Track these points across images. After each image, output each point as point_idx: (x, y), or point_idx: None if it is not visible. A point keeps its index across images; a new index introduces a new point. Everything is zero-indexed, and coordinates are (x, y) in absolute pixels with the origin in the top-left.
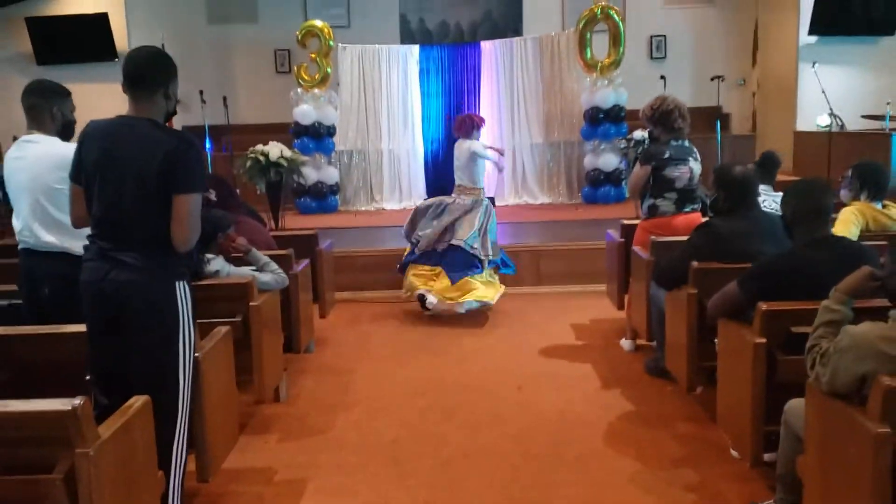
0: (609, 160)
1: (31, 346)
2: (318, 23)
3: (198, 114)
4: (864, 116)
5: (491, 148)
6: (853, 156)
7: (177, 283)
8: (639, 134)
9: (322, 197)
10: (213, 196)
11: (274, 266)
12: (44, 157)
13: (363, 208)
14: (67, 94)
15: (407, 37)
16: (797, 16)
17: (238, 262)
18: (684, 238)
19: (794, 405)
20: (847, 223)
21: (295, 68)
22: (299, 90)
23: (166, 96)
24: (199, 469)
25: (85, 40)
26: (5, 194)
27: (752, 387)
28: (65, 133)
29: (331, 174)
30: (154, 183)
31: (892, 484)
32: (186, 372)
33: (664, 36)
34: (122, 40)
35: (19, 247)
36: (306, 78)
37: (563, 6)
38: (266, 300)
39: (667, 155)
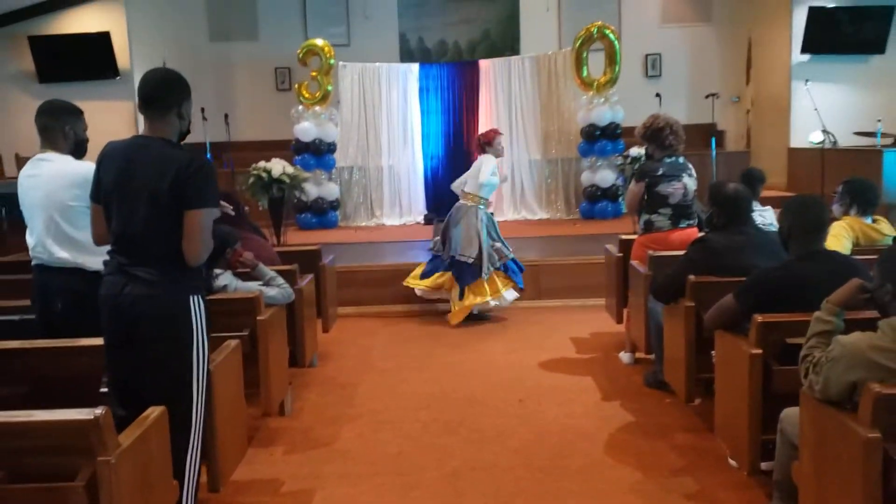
0: (606, 177)
1: (46, 359)
2: (319, 41)
3: (199, 131)
4: (856, 133)
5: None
6: (846, 172)
7: (191, 297)
8: (635, 151)
9: (322, 213)
10: (230, 210)
11: (280, 281)
12: (58, 175)
13: (363, 224)
14: (79, 113)
15: (406, 55)
16: (790, 34)
17: (244, 277)
18: (681, 253)
19: (790, 413)
20: (839, 238)
21: (296, 86)
22: (300, 107)
23: (180, 116)
24: (210, 479)
25: (87, 58)
26: (7, 212)
27: (749, 396)
28: (77, 151)
29: (331, 190)
30: (166, 200)
31: (882, 486)
32: (200, 384)
33: (659, 54)
34: (125, 58)
35: (32, 262)
36: (307, 95)
37: (559, 26)
38: (273, 314)
39: (660, 172)
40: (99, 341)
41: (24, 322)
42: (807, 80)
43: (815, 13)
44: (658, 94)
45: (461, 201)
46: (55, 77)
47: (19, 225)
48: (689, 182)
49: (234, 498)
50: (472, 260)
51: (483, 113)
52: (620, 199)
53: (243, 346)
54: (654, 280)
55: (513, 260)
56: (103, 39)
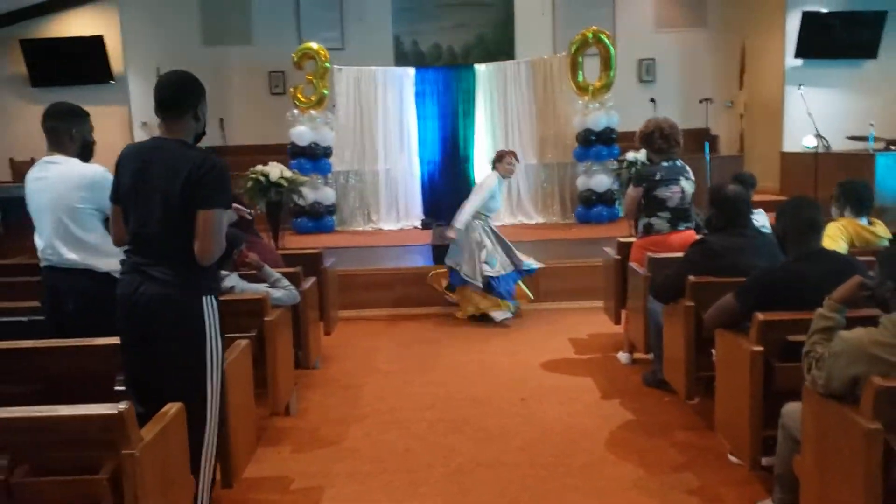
0: (601, 181)
1: (60, 358)
2: (315, 45)
3: None
4: (848, 137)
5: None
6: (839, 176)
7: (204, 298)
8: (632, 155)
9: (319, 217)
10: (248, 214)
11: (285, 282)
12: (66, 178)
13: (360, 228)
14: (86, 115)
15: (400, 59)
16: (783, 39)
17: (250, 278)
18: (680, 255)
19: (791, 409)
20: (834, 239)
21: (291, 90)
22: (296, 111)
23: (196, 118)
24: (224, 475)
25: (80, 62)
26: (5, 214)
27: (751, 393)
28: (84, 154)
29: (327, 195)
30: (179, 200)
31: (883, 477)
32: (214, 383)
33: (653, 59)
34: (118, 62)
35: (42, 264)
36: (302, 99)
37: (553, 30)
38: (279, 316)
39: (658, 176)
40: (112, 340)
41: (34, 323)
42: (800, 85)
43: (808, 18)
44: (653, 99)
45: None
46: (48, 81)
47: (15, 229)
48: (687, 185)
49: (246, 495)
50: (471, 277)
51: (479, 117)
52: (617, 203)
53: (251, 346)
54: (653, 281)
55: (517, 271)
56: (97, 43)
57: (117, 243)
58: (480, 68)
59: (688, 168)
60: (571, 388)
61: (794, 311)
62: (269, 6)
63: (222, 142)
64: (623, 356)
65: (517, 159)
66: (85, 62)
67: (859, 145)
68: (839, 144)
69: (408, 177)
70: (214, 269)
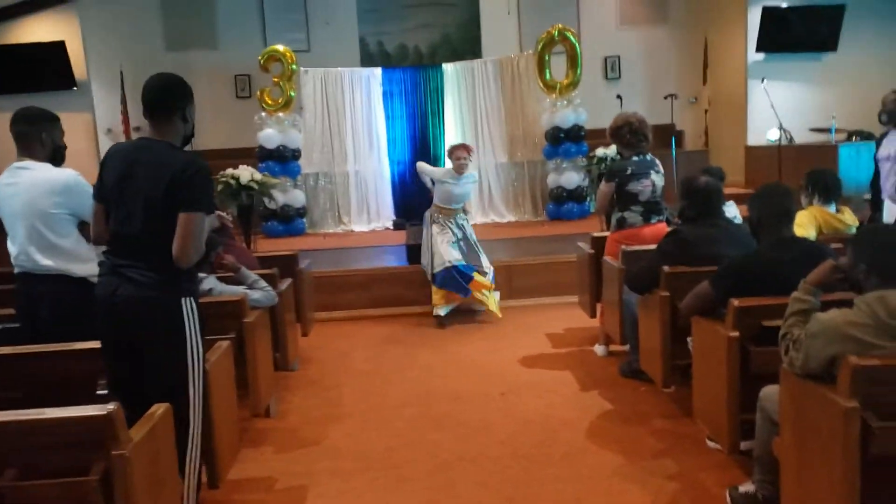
0: (571, 178)
1: (41, 363)
2: (281, 47)
3: None
4: (811, 129)
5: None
6: (803, 168)
7: (183, 300)
8: (601, 151)
9: (289, 220)
10: (229, 222)
11: (263, 283)
12: (38, 183)
13: (331, 231)
14: (56, 119)
15: (366, 60)
16: (745, 34)
17: (227, 281)
18: (653, 247)
19: (769, 391)
20: (803, 227)
21: (258, 93)
22: (263, 114)
23: (184, 119)
24: (209, 476)
25: (42, 69)
26: None
27: (728, 378)
28: (56, 158)
29: (297, 197)
30: (161, 202)
31: (861, 453)
32: (196, 384)
33: (618, 56)
34: (81, 68)
35: (16, 271)
36: (269, 102)
37: (519, 29)
38: (258, 317)
39: (629, 171)
40: (93, 344)
41: (8, 331)
42: (763, 79)
43: (768, 13)
44: (619, 96)
45: None
46: (9, 88)
47: None
48: (657, 179)
49: (230, 496)
50: (428, 269)
51: (448, 117)
52: (589, 200)
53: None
54: (628, 273)
55: (455, 268)
56: (58, 49)
57: (96, 241)
58: (447, 68)
59: (657, 162)
60: (549, 381)
61: (768, 296)
62: (233, 9)
63: (189, 147)
64: (599, 349)
65: (469, 152)
66: (46, 68)
67: (822, 137)
68: (802, 137)
69: (378, 178)
70: (192, 272)
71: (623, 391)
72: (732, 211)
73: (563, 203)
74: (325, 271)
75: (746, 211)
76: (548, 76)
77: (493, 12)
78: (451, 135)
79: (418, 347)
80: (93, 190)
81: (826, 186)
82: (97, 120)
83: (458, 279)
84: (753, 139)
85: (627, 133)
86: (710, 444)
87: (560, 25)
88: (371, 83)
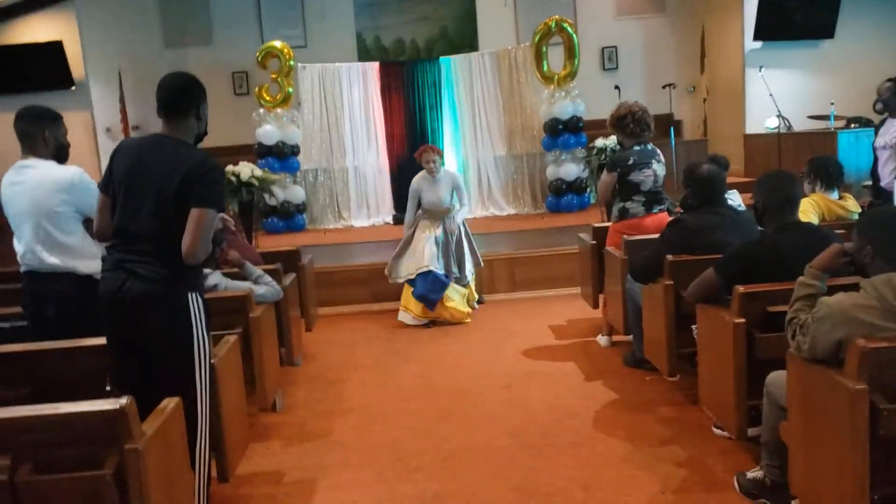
0: (570, 170)
1: (49, 360)
2: (278, 43)
3: None
4: (810, 117)
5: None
6: (802, 155)
7: (189, 294)
8: (600, 142)
9: (289, 216)
10: (232, 224)
11: (268, 279)
12: (43, 182)
13: (331, 226)
14: (59, 118)
15: (364, 55)
16: (742, 22)
17: (232, 276)
18: (655, 236)
19: (775, 377)
20: (806, 213)
21: (256, 89)
22: (261, 111)
23: (198, 118)
24: (219, 470)
25: (40, 69)
26: None
27: (734, 364)
28: (60, 156)
29: (297, 193)
30: (172, 198)
31: (869, 434)
32: (203, 380)
33: (615, 47)
34: (79, 67)
35: (22, 269)
36: (268, 98)
37: (515, 21)
38: (264, 312)
39: (631, 161)
40: (100, 341)
41: (16, 329)
42: (760, 67)
43: (765, 1)
44: (617, 87)
45: None
46: (7, 89)
47: None
48: (659, 168)
49: (240, 490)
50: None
51: (447, 110)
52: (589, 191)
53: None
54: (631, 263)
55: (432, 273)
56: (56, 49)
57: (99, 235)
58: (445, 61)
59: (658, 151)
60: (554, 372)
61: (773, 282)
62: (230, 6)
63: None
64: (602, 339)
65: (436, 153)
66: (44, 68)
67: (821, 124)
68: (801, 124)
69: (377, 173)
70: (198, 267)
71: (628, 380)
72: (737, 199)
73: (562, 195)
74: (326, 266)
75: (751, 199)
76: (545, 68)
77: (489, 5)
78: (450, 128)
79: (421, 341)
80: (99, 182)
81: (828, 174)
82: (96, 119)
83: (432, 288)
84: (752, 127)
85: (631, 122)
86: (717, 431)
87: (557, 16)
88: (369, 78)
